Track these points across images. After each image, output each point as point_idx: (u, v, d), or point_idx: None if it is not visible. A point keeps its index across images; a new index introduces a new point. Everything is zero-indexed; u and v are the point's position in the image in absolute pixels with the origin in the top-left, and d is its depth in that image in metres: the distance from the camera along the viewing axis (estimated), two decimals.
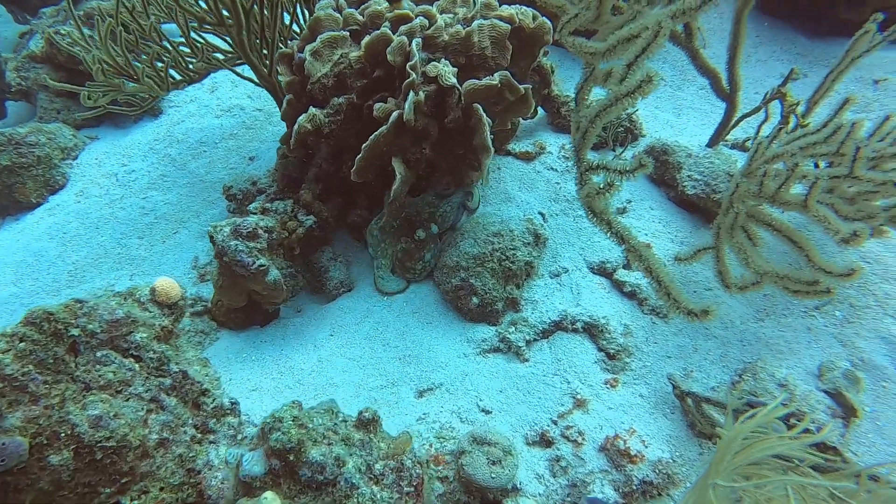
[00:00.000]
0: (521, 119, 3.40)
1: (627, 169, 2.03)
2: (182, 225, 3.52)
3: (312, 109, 2.57)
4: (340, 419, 1.75)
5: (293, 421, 1.59)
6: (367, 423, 1.75)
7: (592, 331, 2.78)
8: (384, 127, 2.41)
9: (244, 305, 2.90)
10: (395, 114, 2.39)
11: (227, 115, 4.17)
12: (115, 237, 3.51)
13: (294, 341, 2.90)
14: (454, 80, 2.46)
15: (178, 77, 3.05)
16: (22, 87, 4.56)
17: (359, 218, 3.21)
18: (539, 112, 3.58)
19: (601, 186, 2.12)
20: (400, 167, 2.53)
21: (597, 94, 2.33)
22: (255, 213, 2.84)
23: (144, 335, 2.06)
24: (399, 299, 3.00)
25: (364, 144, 2.44)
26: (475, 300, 2.80)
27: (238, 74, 3.05)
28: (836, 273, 2.34)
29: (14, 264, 3.46)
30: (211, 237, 2.62)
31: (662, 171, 3.28)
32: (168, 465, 1.91)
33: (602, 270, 2.99)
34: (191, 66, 2.92)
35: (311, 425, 1.60)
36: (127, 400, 1.89)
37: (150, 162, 3.96)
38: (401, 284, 3.05)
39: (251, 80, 3.07)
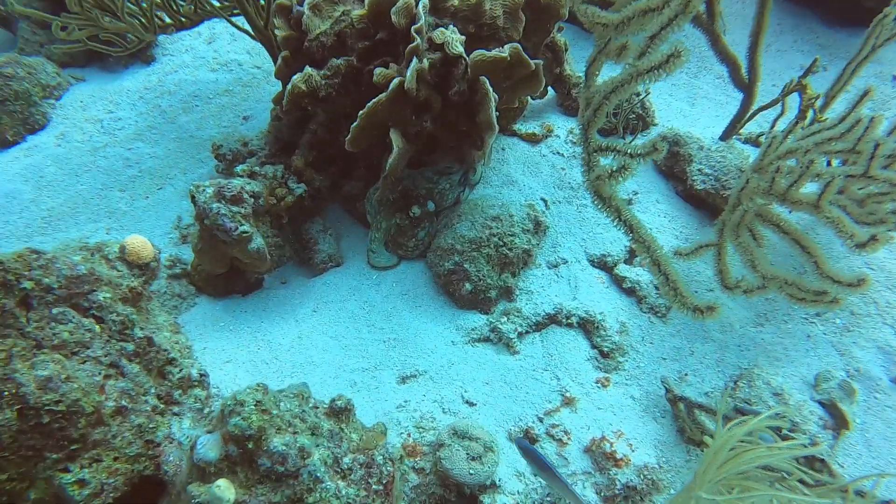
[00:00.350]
0: (529, 98, 3.23)
1: (640, 152, 1.87)
2: (168, 181, 3.35)
3: (308, 69, 2.39)
4: (311, 405, 1.63)
5: (255, 406, 1.46)
6: (340, 411, 1.63)
7: (587, 326, 2.66)
8: (383, 94, 2.24)
9: (225, 272, 2.75)
10: (395, 80, 2.22)
11: (223, 69, 3.97)
12: (95, 187, 3.34)
13: (275, 314, 2.77)
14: (461, 49, 2.28)
15: (167, 20, 2.85)
16: (1, 11, 4.29)
17: (354, 189, 3.05)
18: (549, 92, 3.41)
19: (612, 170, 1.97)
20: (398, 139, 2.37)
21: (606, 72, 2.16)
22: (242, 176, 2.68)
23: (108, 295, 1.92)
24: (389, 278, 2.86)
25: (360, 112, 2.27)
26: (468, 286, 2.66)
27: (234, 24, 2.85)
28: (845, 282, 2.22)
29: None
30: (192, 197, 2.46)
31: (672, 162, 3.12)
32: (125, 435, 1.79)
33: (602, 264, 2.85)
34: (181, 9, 2.72)
35: (275, 411, 1.47)
36: (83, 363, 1.76)
37: (139, 111, 3.76)
38: (392, 260, 2.91)
39: (247, 33, 2.88)
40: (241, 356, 2.56)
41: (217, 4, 3.02)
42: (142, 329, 1.96)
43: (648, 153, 1.85)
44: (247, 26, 3.06)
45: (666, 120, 3.37)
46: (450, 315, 2.73)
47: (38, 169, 3.46)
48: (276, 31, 2.50)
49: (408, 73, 2.21)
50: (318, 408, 1.65)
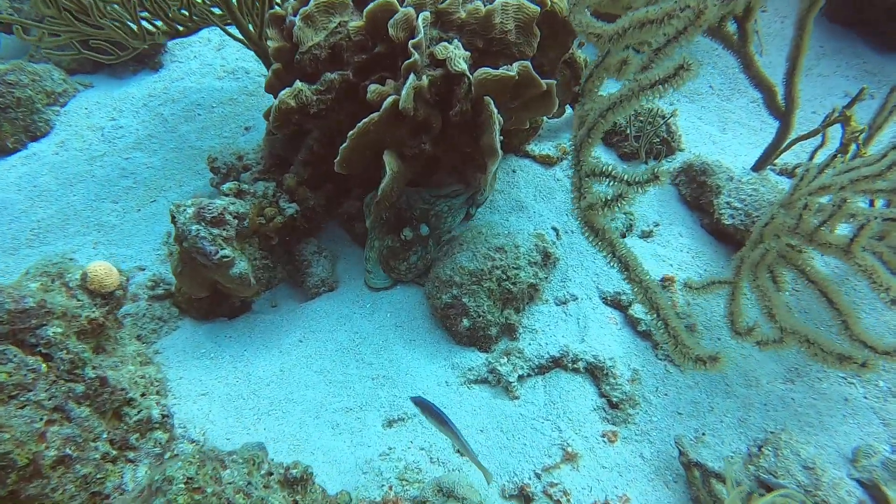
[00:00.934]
0: (545, 118, 3.01)
1: (639, 180, 1.63)
2: (161, 193, 3.21)
3: (299, 84, 2.21)
4: (263, 472, 1.42)
5: (186, 484, 1.26)
6: (295, 482, 1.43)
7: (596, 372, 2.41)
8: (376, 113, 2.05)
9: (210, 295, 2.58)
10: (389, 99, 2.02)
11: (229, 77, 3.83)
12: (87, 198, 3.21)
13: (259, 342, 2.58)
14: (464, 66, 2.07)
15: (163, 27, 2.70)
16: (14, 18, 4.25)
17: (352, 209, 2.86)
18: (567, 111, 3.18)
19: (607, 199, 1.73)
20: (392, 162, 2.17)
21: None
22: (228, 195, 2.51)
23: (59, 330, 1.75)
24: (383, 307, 2.66)
25: (350, 132, 2.07)
26: (466, 322, 2.44)
27: (228, 34, 2.69)
28: (880, 350, 1.95)
29: None
30: (172, 217, 2.30)
31: (699, 193, 2.86)
32: (67, 488, 1.61)
33: (616, 302, 2.61)
34: (171, 15, 2.57)
35: (211, 488, 1.27)
36: (22, 407, 1.59)
37: (141, 119, 3.64)
38: (388, 281, 2.71)
39: (243, 42, 2.72)
40: (218, 389, 2.38)
41: (218, 13, 2.87)
42: (95, 368, 1.78)
43: (648, 181, 1.60)
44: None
45: (693, 145, 3.11)
46: (446, 352, 2.51)
47: (32, 178, 3.35)
48: (269, 43, 2.32)
49: (403, 92, 2.01)
50: (272, 474, 1.44)
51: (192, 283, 2.40)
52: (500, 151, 2.19)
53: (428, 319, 2.61)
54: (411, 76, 2.02)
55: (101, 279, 1.91)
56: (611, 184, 1.71)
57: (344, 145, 2.11)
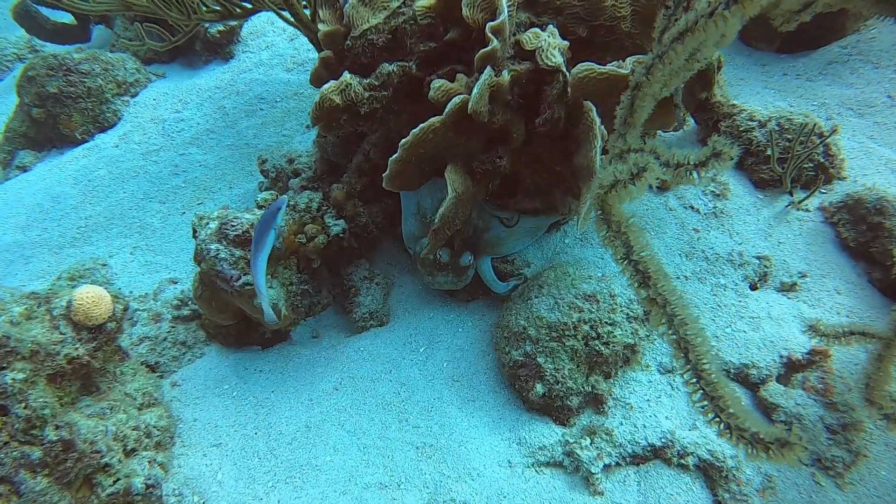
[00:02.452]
0: (659, 132, 2.39)
1: (685, 161, 1.02)
2: (210, 195, 2.89)
3: (347, 76, 1.76)
4: None
5: None
6: None
7: (710, 473, 1.80)
8: (437, 118, 1.56)
9: (238, 322, 2.21)
10: (457, 99, 1.53)
11: (299, 69, 3.49)
12: (136, 196, 2.96)
13: (290, 384, 2.17)
14: (559, 60, 1.54)
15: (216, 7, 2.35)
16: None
17: None
18: (690, 123, 2.54)
19: (630, 172, 1.11)
20: (457, 180, 1.67)
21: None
22: (262, 207, 2.11)
23: (21, 376, 1.40)
24: (439, 353, 2.17)
25: (403, 140, 1.60)
26: (539, 388, 1.90)
27: (282, 17, 2.29)
28: None
29: (29, 206, 3.02)
30: (193, 231, 1.92)
31: (868, 237, 2.15)
32: None
33: (742, 377, 1.97)
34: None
35: None
36: None
37: (204, 112, 3.37)
38: (456, 282, 2.21)
39: (294, 25, 2.31)
40: (233, 440, 1.99)
41: None
42: (59, 428, 1.41)
43: (701, 163, 0.99)
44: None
45: (860, 172, 2.38)
46: (511, 420, 1.99)
47: (89, 171, 3.16)
48: (320, 26, 1.89)
49: (475, 90, 1.50)
50: None
51: (212, 310, 2.02)
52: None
53: (493, 375, 2.09)
54: (487, 70, 1.51)
55: (86, 310, 1.54)
56: (661, 168, 1.09)
57: (395, 157, 1.64)
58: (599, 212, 1.17)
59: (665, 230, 2.26)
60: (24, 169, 3.45)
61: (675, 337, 1.10)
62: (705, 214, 2.28)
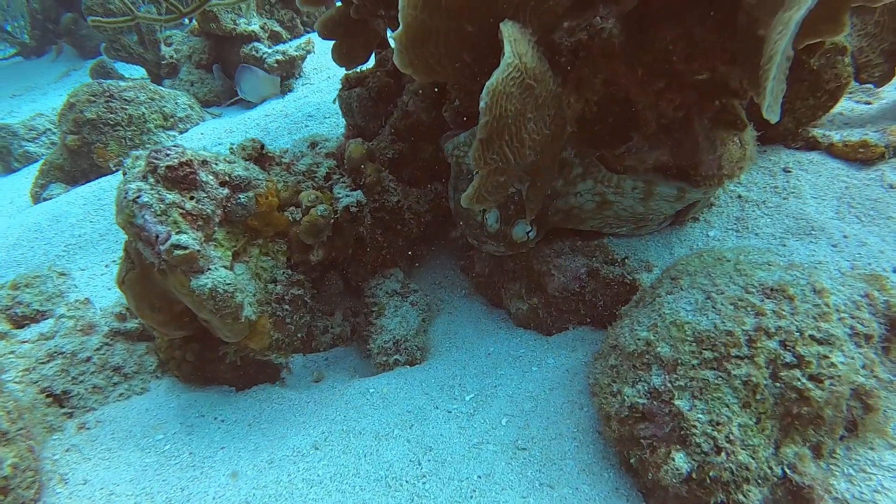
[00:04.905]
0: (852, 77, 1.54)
1: None
2: None
3: None
4: None
5: None
6: None
7: None
8: None
9: (191, 334, 1.46)
10: None
11: None
12: None
13: (253, 437, 1.35)
14: None
15: None
16: (173, 59, 4.02)
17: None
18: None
19: None
20: (520, 41, 0.92)
21: None
22: (232, 159, 1.43)
23: None
24: (496, 402, 1.29)
25: None
26: (680, 463, 0.96)
27: None
28: None
29: (26, 227, 2.58)
30: (123, 172, 1.26)
31: None
32: None
33: None
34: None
35: None
36: None
37: (246, 136, 2.90)
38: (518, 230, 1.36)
39: None
40: None
41: None
42: None
43: None
44: None
45: None
46: None
47: (102, 192, 2.74)
48: None
49: None
50: None
51: (144, 306, 1.29)
52: (790, 54, 0.83)
53: (588, 441, 1.17)
54: None
55: None
56: None
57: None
58: None
59: (880, 215, 1.33)
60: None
61: None
62: None
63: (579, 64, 1.04)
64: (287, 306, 1.46)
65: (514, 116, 0.97)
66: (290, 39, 3.69)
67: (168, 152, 1.17)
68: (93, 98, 3.09)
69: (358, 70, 1.70)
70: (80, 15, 6.05)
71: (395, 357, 1.51)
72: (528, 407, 1.25)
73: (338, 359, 1.67)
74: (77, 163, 3.17)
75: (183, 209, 1.17)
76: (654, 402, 1.01)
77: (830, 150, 1.51)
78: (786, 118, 1.55)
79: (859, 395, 1.02)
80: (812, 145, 1.54)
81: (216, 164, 1.25)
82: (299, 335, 1.56)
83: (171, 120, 3.30)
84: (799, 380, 0.96)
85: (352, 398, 1.38)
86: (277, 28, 3.62)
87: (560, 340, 1.44)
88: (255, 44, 3.39)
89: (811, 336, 0.99)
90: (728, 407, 0.97)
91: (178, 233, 1.16)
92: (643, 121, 1.24)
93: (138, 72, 4.34)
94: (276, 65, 3.34)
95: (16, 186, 3.47)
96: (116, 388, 1.49)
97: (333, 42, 1.47)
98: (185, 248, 1.15)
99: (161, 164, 1.16)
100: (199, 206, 1.20)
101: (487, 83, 0.89)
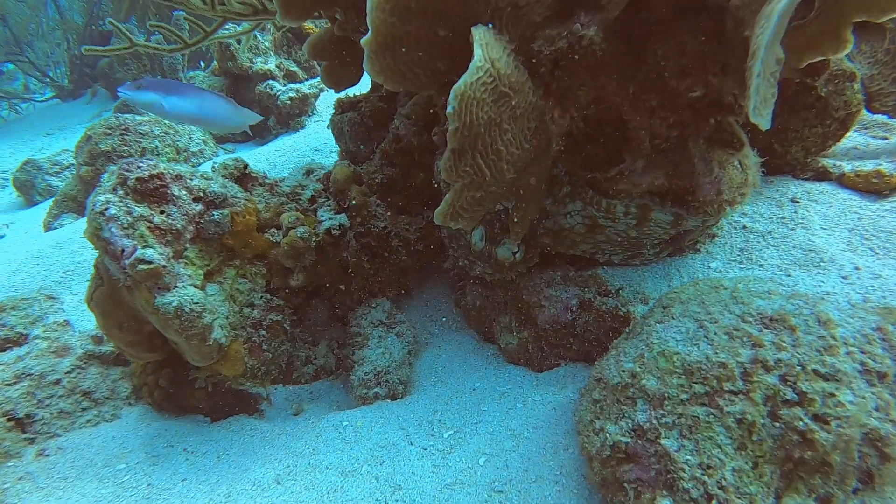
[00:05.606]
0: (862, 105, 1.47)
1: None
2: None
3: None
4: None
5: None
6: None
7: None
8: None
9: (173, 365, 1.40)
10: None
11: None
12: None
13: (217, 470, 1.27)
14: None
15: None
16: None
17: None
18: None
19: None
20: (494, 47, 0.88)
21: None
22: (219, 175, 1.40)
23: None
24: (474, 440, 1.19)
25: None
26: None
27: None
28: None
29: (29, 253, 2.58)
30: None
31: None
32: None
33: None
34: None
35: None
36: None
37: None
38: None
39: None
40: None
41: None
42: None
43: None
44: None
45: None
46: None
47: None
48: None
49: None
50: None
51: (108, 322, 1.24)
52: (781, 56, 0.77)
53: (571, 484, 1.06)
54: None
55: None
56: None
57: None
58: None
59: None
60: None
61: None
62: None
63: (560, 74, 0.99)
64: (264, 332, 1.40)
65: (489, 126, 0.92)
66: (307, 79, 3.76)
67: (140, 164, 1.14)
68: (109, 131, 3.16)
69: (352, 94, 1.68)
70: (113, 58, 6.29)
71: (375, 390, 1.43)
72: (509, 446, 1.15)
73: (323, 392, 1.59)
74: (90, 193, 3.21)
75: (151, 223, 1.13)
76: (639, 441, 0.91)
77: (842, 181, 1.43)
78: (794, 147, 1.47)
79: (873, 442, 0.91)
80: (822, 175, 1.45)
81: (191, 180, 1.22)
82: (278, 364, 1.49)
83: (185, 154, 3.35)
84: (801, 419, 0.86)
85: (323, 431, 1.29)
86: (294, 68, 3.70)
87: (549, 377, 1.35)
88: (270, 82, 3.45)
89: (815, 371, 0.89)
90: (720, 448, 0.87)
91: (144, 247, 1.11)
92: (636, 141, 1.17)
93: None
94: (289, 102, 3.38)
95: (34, 218, 3.52)
96: (85, 413, 1.43)
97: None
98: (150, 262, 1.10)
99: (131, 177, 1.13)
100: (169, 221, 1.16)
101: (455, 86, 0.84)
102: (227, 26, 2.31)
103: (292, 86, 3.47)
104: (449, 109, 0.85)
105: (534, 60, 0.98)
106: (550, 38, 0.97)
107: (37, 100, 7.66)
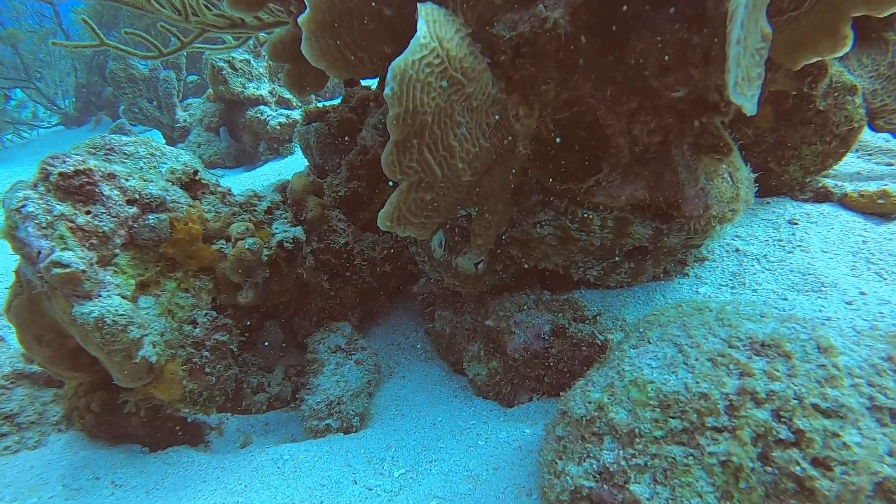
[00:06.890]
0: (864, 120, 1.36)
1: None
2: None
3: None
4: None
5: None
6: None
7: None
8: None
9: (106, 388, 1.27)
10: None
11: None
12: None
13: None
14: None
15: None
16: (187, 123, 4.09)
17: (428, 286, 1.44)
18: None
19: None
20: (441, 23, 0.78)
21: None
22: (162, 179, 1.30)
23: None
24: (427, 480, 1.05)
25: None
26: None
27: None
28: None
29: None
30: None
31: None
32: None
33: None
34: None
35: None
36: None
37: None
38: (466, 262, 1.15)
39: None
40: None
41: None
42: None
43: None
44: None
45: None
46: None
47: None
48: None
49: None
50: None
51: (26, 335, 1.11)
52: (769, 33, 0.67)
53: None
54: None
55: None
56: None
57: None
58: None
59: None
60: None
61: None
62: None
63: (523, 63, 0.89)
64: (207, 353, 1.27)
65: (437, 116, 0.81)
66: (300, 106, 3.72)
67: (66, 159, 1.04)
68: (93, 150, 3.07)
69: (321, 105, 1.59)
70: (105, 82, 6.32)
71: (326, 422, 1.28)
72: (465, 489, 1.01)
73: (280, 424, 1.45)
74: None
75: (73, 223, 1.02)
76: (605, 487, 0.76)
77: (844, 202, 1.31)
78: (792, 166, 1.36)
79: (887, 493, 0.76)
80: (823, 196, 1.33)
81: (126, 180, 1.12)
82: (223, 390, 1.35)
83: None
84: (798, 463, 0.71)
85: (261, 466, 1.15)
86: (288, 95, 3.66)
87: (519, 413, 1.21)
88: (261, 107, 3.40)
89: (814, 405, 0.75)
90: (701, 497, 0.72)
91: (62, 249, 1.00)
92: (614, 149, 1.06)
93: (156, 136, 4.42)
94: (278, 127, 3.33)
95: None
96: (4, 439, 1.29)
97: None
98: (67, 266, 0.99)
99: (54, 171, 1.02)
100: (95, 223, 1.05)
101: (393, 63, 0.73)
102: (217, 42, 2.26)
103: (283, 111, 3.42)
104: (387, 91, 0.75)
105: (494, 48, 0.88)
106: (512, 22, 0.87)
107: (43, 126, 7.72)
